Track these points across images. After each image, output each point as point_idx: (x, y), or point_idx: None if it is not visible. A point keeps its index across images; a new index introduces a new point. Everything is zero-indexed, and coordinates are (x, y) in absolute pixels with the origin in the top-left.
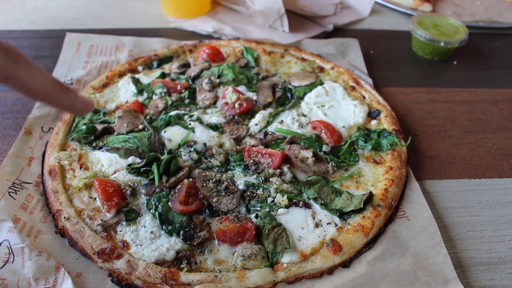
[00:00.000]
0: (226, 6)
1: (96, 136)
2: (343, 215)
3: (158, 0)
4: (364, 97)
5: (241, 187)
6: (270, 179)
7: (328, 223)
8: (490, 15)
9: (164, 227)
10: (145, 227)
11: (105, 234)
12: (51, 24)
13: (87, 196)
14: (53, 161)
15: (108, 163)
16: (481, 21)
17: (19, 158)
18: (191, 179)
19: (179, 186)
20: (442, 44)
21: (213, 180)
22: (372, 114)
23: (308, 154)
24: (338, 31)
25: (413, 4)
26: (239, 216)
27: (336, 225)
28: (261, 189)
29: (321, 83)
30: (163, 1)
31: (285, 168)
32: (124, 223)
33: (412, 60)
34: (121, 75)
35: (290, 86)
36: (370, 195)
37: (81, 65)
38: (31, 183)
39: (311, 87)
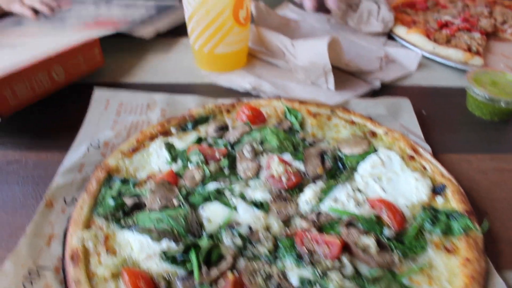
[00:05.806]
0: (264, 59)
1: (125, 212)
2: None
3: (191, 51)
4: (425, 168)
5: (295, 283)
6: (328, 273)
7: None
8: None
9: None
10: None
11: None
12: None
13: (114, 287)
14: (76, 242)
15: (139, 247)
16: None
17: (38, 237)
18: (235, 271)
19: (222, 282)
20: (502, 104)
21: (262, 274)
22: (436, 190)
23: (370, 241)
24: (386, 88)
25: (462, 58)
26: None
27: None
28: (318, 286)
29: (375, 151)
30: (197, 54)
31: (345, 260)
32: None
33: (470, 121)
34: (152, 137)
35: (340, 154)
36: None
37: (110, 124)
38: (50, 269)
39: (364, 155)
